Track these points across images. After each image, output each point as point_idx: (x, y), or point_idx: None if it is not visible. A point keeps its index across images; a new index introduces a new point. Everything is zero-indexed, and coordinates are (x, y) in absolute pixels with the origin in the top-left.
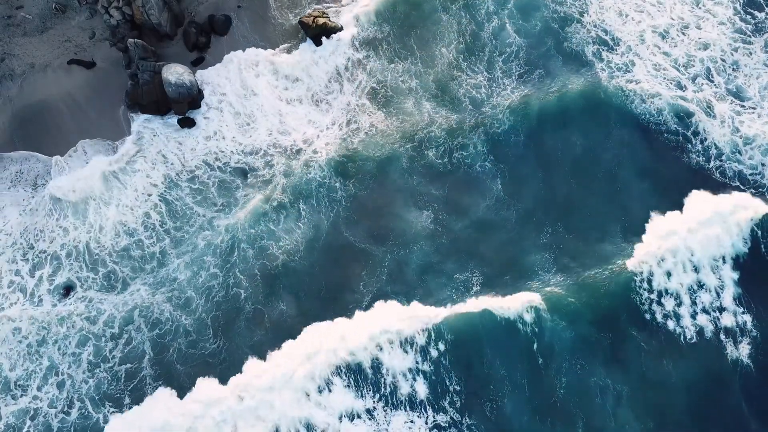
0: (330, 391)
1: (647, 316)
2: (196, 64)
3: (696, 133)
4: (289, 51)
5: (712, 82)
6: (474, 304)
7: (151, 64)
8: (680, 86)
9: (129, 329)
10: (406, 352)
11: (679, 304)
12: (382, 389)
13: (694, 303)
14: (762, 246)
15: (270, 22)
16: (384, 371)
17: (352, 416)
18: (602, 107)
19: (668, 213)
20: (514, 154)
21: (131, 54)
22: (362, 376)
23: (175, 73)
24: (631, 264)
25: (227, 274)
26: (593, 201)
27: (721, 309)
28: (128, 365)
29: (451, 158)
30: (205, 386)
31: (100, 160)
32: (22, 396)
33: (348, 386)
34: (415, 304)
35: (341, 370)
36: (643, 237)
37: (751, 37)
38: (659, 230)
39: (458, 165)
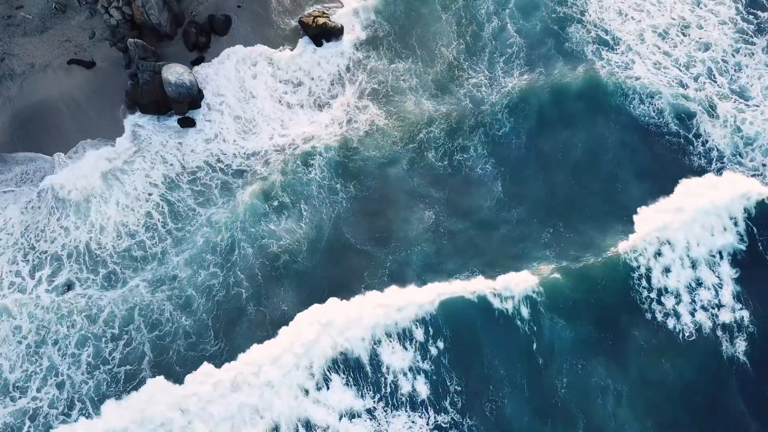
0: (329, 388)
1: (643, 307)
2: (196, 64)
3: (698, 135)
4: (289, 51)
5: (715, 81)
6: (470, 285)
7: (151, 64)
8: (682, 84)
9: (129, 329)
10: (406, 349)
11: (678, 300)
12: (382, 388)
13: (692, 299)
14: (759, 242)
15: (270, 22)
16: (384, 369)
17: (352, 415)
18: (602, 107)
19: (661, 200)
20: (515, 155)
21: (131, 54)
22: (362, 375)
23: (175, 72)
24: (622, 247)
25: (228, 273)
26: (594, 201)
27: (720, 305)
28: (128, 367)
29: (451, 160)
30: (203, 372)
31: (96, 155)
32: (21, 398)
33: (347, 384)
34: (411, 286)
35: (339, 367)
36: (635, 225)
37: (753, 37)
38: (653, 218)
39: (459, 165)
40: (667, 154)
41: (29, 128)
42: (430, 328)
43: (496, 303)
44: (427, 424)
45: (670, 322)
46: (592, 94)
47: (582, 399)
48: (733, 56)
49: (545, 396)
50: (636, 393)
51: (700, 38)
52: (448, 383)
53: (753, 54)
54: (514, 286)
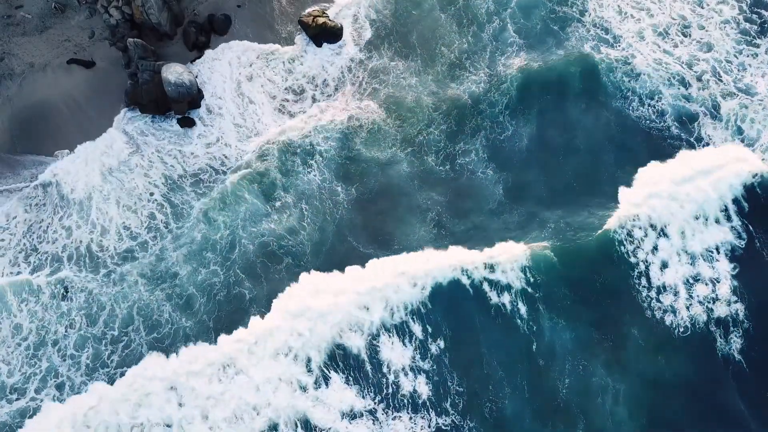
0: (328, 386)
1: (631, 277)
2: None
3: (699, 139)
4: (289, 51)
5: (720, 80)
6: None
7: (150, 64)
8: (684, 83)
9: (128, 330)
10: (405, 345)
11: (676, 293)
12: (383, 388)
13: (690, 291)
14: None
15: (270, 22)
16: (384, 368)
17: (352, 416)
18: (603, 104)
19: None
20: (516, 158)
21: (131, 53)
22: (361, 373)
23: (174, 72)
24: (611, 223)
25: (228, 272)
26: (595, 201)
27: (716, 299)
28: (125, 369)
29: (453, 163)
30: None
31: (93, 151)
32: (18, 399)
33: (347, 382)
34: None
35: (338, 364)
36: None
37: (756, 39)
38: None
39: (460, 169)
40: (668, 155)
41: (29, 128)
42: (428, 326)
43: (490, 289)
44: (429, 426)
45: (666, 316)
46: (591, 91)
47: (572, 387)
48: (736, 57)
49: (534, 383)
50: (632, 384)
51: (701, 38)
52: (448, 379)
53: (756, 55)
54: (506, 258)
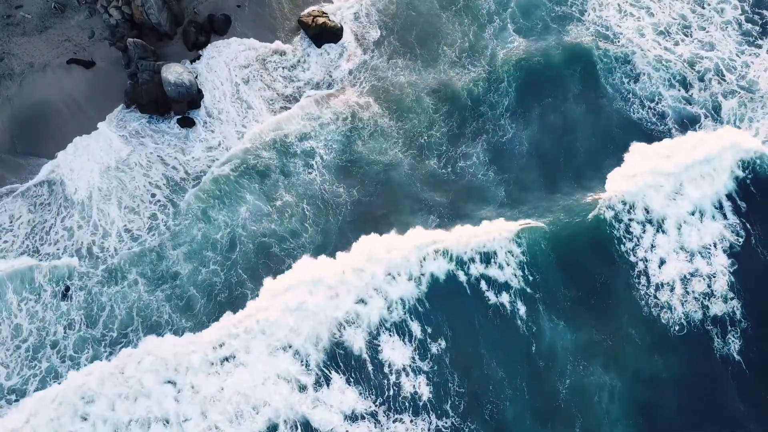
0: (328, 387)
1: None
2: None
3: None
4: (288, 51)
5: (723, 79)
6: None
7: (150, 64)
8: (684, 82)
9: (127, 332)
10: (405, 344)
11: (672, 289)
12: (385, 389)
13: (686, 287)
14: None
15: (270, 22)
16: (386, 368)
17: (353, 418)
18: (603, 104)
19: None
20: (517, 161)
21: (131, 53)
22: (362, 374)
23: (174, 72)
24: (605, 211)
25: (229, 272)
26: (594, 196)
27: (712, 295)
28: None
29: (455, 166)
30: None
31: (92, 149)
32: (18, 400)
33: (347, 382)
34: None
35: (339, 364)
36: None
37: (758, 39)
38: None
39: (461, 172)
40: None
41: (29, 128)
42: (427, 327)
43: (487, 287)
44: (428, 428)
45: (662, 314)
46: (590, 86)
47: (571, 386)
48: (738, 56)
49: (532, 381)
50: (630, 383)
51: (702, 39)
52: (448, 380)
53: (758, 56)
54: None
